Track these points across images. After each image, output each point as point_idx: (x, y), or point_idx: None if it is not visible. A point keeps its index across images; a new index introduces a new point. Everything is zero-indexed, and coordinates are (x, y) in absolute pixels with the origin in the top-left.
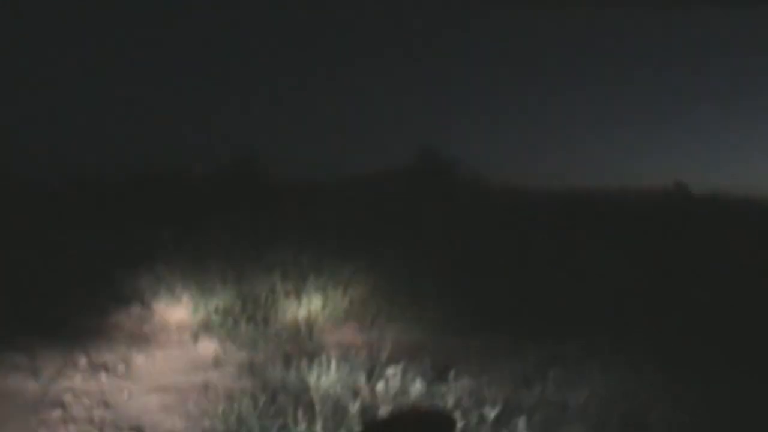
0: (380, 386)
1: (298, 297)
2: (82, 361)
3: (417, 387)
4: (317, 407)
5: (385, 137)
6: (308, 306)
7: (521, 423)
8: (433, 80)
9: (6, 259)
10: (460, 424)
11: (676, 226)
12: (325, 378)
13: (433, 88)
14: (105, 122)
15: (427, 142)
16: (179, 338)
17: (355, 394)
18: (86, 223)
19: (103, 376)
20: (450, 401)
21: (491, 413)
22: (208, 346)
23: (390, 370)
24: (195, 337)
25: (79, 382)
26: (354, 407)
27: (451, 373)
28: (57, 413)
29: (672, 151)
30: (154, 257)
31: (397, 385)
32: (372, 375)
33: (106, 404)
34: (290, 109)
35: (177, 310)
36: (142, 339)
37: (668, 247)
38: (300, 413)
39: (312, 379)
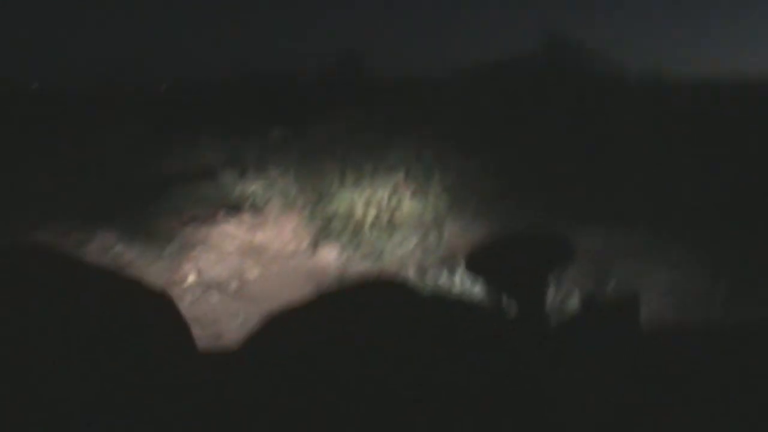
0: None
1: (426, 196)
2: (190, 278)
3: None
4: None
5: (504, 22)
6: (436, 207)
7: None
8: None
9: (103, 165)
10: None
11: None
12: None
13: None
14: (205, 24)
15: (553, 28)
16: (296, 248)
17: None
18: (189, 124)
19: (214, 296)
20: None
21: None
22: (329, 256)
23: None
24: (314, 247)
25: (187, 304)
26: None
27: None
28: None
29: None
30: (265, 159)
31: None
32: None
33: (217, 335)
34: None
35: (292, 217)
36: (255, 250)
37: None
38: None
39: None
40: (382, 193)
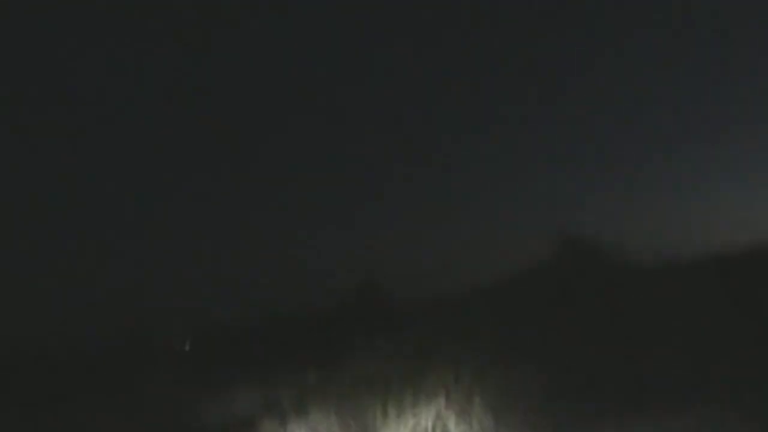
0: None
1: (470, 417)
2: None
3: None
4: None
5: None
6: (482, 426)
7: None
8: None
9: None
10: None
11: None
12: None
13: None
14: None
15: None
16: None
17: None
18: (221, 374)
19: None
20: None
21: None
22: None
23: None
24: None
25: None
26: None
27: None
28: None
29: None
30: (305, 402)
31: None
32: None
33: None
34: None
35: None
36: None
37: None
38: None
39: None
40: (426, 422)
